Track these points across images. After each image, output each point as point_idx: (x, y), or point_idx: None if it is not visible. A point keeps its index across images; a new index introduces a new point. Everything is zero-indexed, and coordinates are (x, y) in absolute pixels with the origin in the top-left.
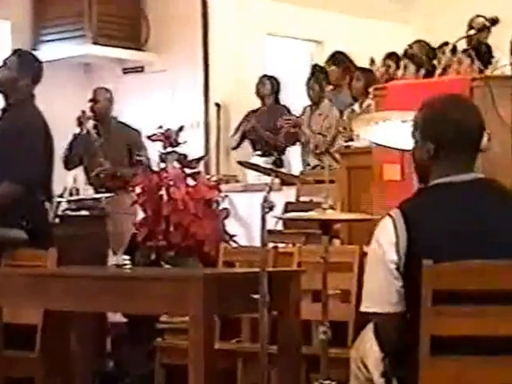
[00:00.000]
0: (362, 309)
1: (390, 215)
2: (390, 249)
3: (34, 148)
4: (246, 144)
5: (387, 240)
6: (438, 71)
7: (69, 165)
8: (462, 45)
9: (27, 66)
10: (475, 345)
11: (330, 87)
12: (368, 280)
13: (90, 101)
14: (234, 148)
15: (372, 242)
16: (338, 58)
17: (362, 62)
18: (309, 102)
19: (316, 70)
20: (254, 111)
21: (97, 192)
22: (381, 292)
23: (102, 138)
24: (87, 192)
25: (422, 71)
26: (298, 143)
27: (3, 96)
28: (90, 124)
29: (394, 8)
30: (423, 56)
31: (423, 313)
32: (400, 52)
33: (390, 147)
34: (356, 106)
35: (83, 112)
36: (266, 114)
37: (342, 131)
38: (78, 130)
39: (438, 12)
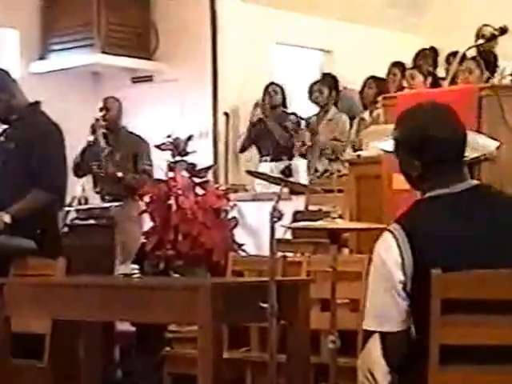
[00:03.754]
0: (365, 327)
1: (390, 231)
2: (396, 269)
3: (58, 155)
4: (255, 152)
5: (392, 259)
6: (447, 80)
7: (79, 172)
8: (470, 54)
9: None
10: (485, 354)
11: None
12: (372, 298)
13: (102, 109)
14: (241, 151)
15: (374, 257)
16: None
17: (370, 71)
18: (315, 112)
19: (325, 75)
20: (261, 119)
21: (104, 201)
22: (387, 312)
23: (111, 147)
24: (96, 201)
25: (429, 80)
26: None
27: (3, 121)
28: (100, 133)
29: (403, 17)
30: (429, 65)
31: (432, 322)
32: (409, 61)
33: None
34: (366, 115)
35: (97, 120)
36: (274, 121)
37: (352, 141)
38: (91, 138)
39: (446, 21)
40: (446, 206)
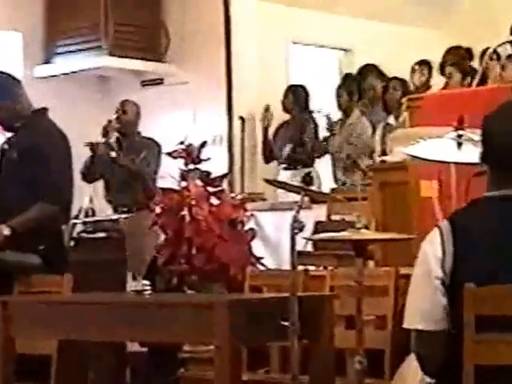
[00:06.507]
0: (405, 325)
1: (438, 226)
2: (436, 264)
3: (63, 165)
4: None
5: (434, 254)
6: (476, 79)
7: (89, 177)
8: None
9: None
10: None
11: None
12: (412, 295)
13: (118, 111)
14: (267, 161)
15: (420, 253)
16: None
17: (393, 70)
18: (337, 115)
19: (347, 78)
20: (282, 125)
21: (116, 211)
22: (425, 309)
23: (123, 153)
24: (107, 211)
25: (468, 80)
26: (326, 155)
27: (8, 128)
28: (113, 136)
29: (426, 13)
30: (464, 63)
31: (466, 340)
32: (434, 59)
33: (428, 160)
34: (391, 120)
35: (109, 121)
36: (293, 125)
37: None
38: (103, 140)
39: (472, 17)
40: (497, 208)
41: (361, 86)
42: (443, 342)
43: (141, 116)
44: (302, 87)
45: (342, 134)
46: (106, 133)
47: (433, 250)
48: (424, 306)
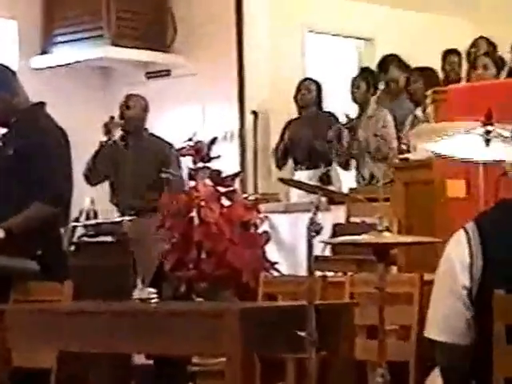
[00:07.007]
0: (426, 334)
1: (464, 229)
2: (463, 272)
3: (62, 163)
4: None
5: (460, 260)
6: (506, 71)
7: (92, 179)
8: None
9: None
10: None
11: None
12: (435, 303)
13: (121, 107)
14: (280, 167)
15: (443, 258)
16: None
17: (417, 61)
18: (355, 109)
19: (364, 70)
20: (294, 119)
21: (124, 216)
22: (448, 320)
23: (130, 152)
24: (110, 213)
25: (504, 72)
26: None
27: (2, 123)
28: (118, 134)
29: (453, 0)
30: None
31: (495, 351)
32: (461, 49)
33: (454, 158)
34: (418, 112)
35: (112, 118)
36: (308, 124)
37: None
38: (104, 139)
39: (500, 4)
40: None
41: (378, 79)
42: (466, 356)
43: (148, 111)
44: (316, 82)
45: (364, 127)
46: (107, 131)
47: (459, 255)
48: (445, 317)
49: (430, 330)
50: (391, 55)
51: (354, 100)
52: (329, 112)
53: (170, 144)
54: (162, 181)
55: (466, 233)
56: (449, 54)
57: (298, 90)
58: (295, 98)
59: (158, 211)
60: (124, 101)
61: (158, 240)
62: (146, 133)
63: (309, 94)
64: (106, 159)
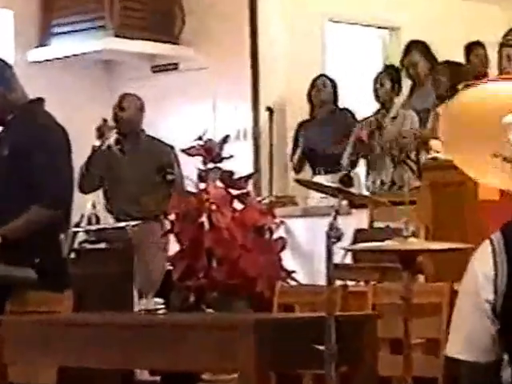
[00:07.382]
0: (447, 353)
1: (490, 239)
2: (487, 285)
3: (62, 164)
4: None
5: (484, 272)
6: None
7: (85, 187)
8: None
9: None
10: None
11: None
12: (457, 319)
13: (114, 108)
14: (298, 171)
15: (467, 269)
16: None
17: (445, 52)
18: (377, 107)
19: (389, 67)
20: (307, 121)
21: (117, 220)
22: (471, 337)
23: (127, 156)
24: (110, 221)
25: None
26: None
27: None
28: (113, 137)
29: None
30: None
31: None
32: (492, 40)
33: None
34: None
35: (105, 120)
36: (322, 126)
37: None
38: (97, 143)
39: None
40: None
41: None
42: (490, 375)
43: (144, 112)
44: (331, 79)
45: (389, 128)
46: (100, 134)
47: (483, 267)
48: (468, 334)
49: (451, 348)
50: (418, 41)
51: (377, 98)
52: (346, 109)
53: (170, 146)
54: (163, 184)
55: (492, 244)
56: (474, 46)
57: (312, 87)
58: (308, 95)
59: (158, 216)
60: (118, 101)
61: (163, 247)
62: (144, 135)
63: (324, 91)
64: (100, 165)
